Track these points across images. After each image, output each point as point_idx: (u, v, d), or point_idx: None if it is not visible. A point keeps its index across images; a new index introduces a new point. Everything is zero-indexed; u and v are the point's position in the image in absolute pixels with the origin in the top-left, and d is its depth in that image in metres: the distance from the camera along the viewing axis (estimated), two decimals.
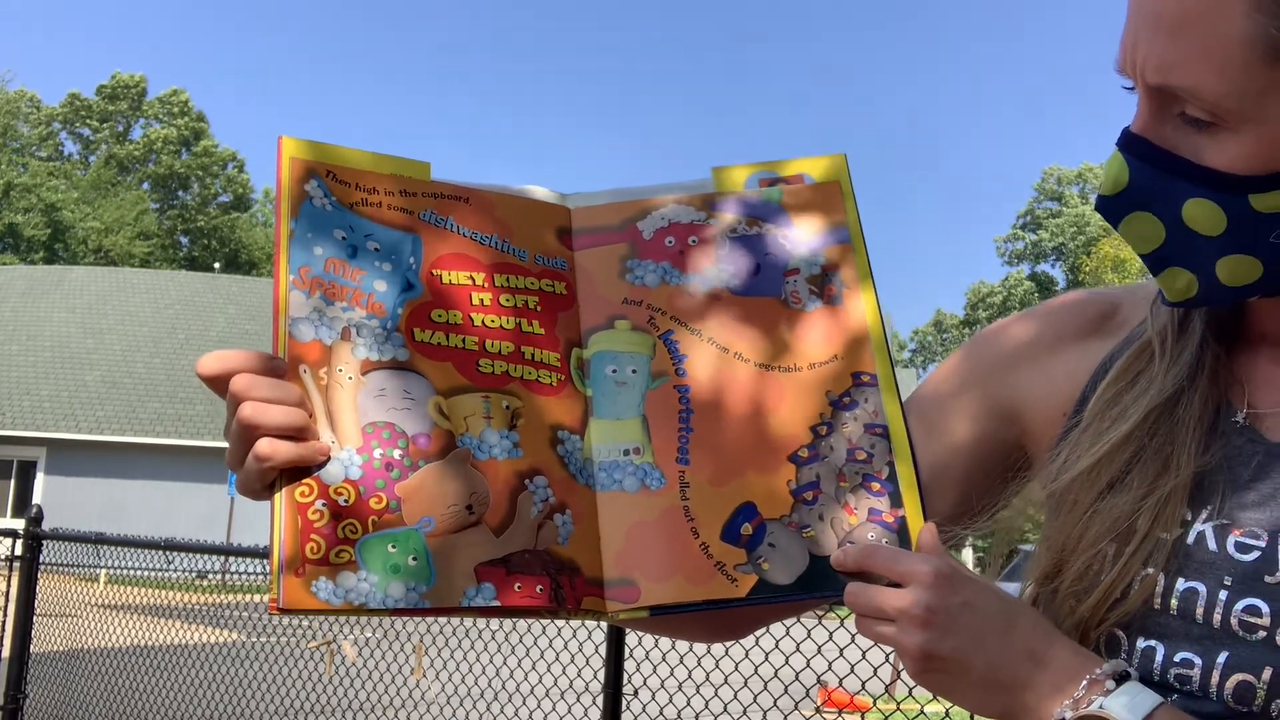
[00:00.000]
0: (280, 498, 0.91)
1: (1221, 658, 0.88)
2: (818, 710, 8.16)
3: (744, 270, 1.07)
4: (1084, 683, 0.86)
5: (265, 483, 0.91)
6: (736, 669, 4.08)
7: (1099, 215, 0.97)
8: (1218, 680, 0.88)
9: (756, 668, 4.04)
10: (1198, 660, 0.89)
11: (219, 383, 0.93)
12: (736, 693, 4.38)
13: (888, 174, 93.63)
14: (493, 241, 1.05)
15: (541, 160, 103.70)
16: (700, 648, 4.39)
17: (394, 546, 0.91)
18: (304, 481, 0.91)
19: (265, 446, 0.89)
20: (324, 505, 0.91)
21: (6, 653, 6.28)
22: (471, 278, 1.03)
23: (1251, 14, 0.84)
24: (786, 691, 4.64)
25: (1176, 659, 0.90)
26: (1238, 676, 0.87)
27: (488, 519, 0.94)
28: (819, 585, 0.97)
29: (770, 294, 1.06)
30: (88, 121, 56.65)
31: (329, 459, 0.92)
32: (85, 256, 50.61)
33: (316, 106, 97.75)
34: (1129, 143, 0.92)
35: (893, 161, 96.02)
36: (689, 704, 4.35)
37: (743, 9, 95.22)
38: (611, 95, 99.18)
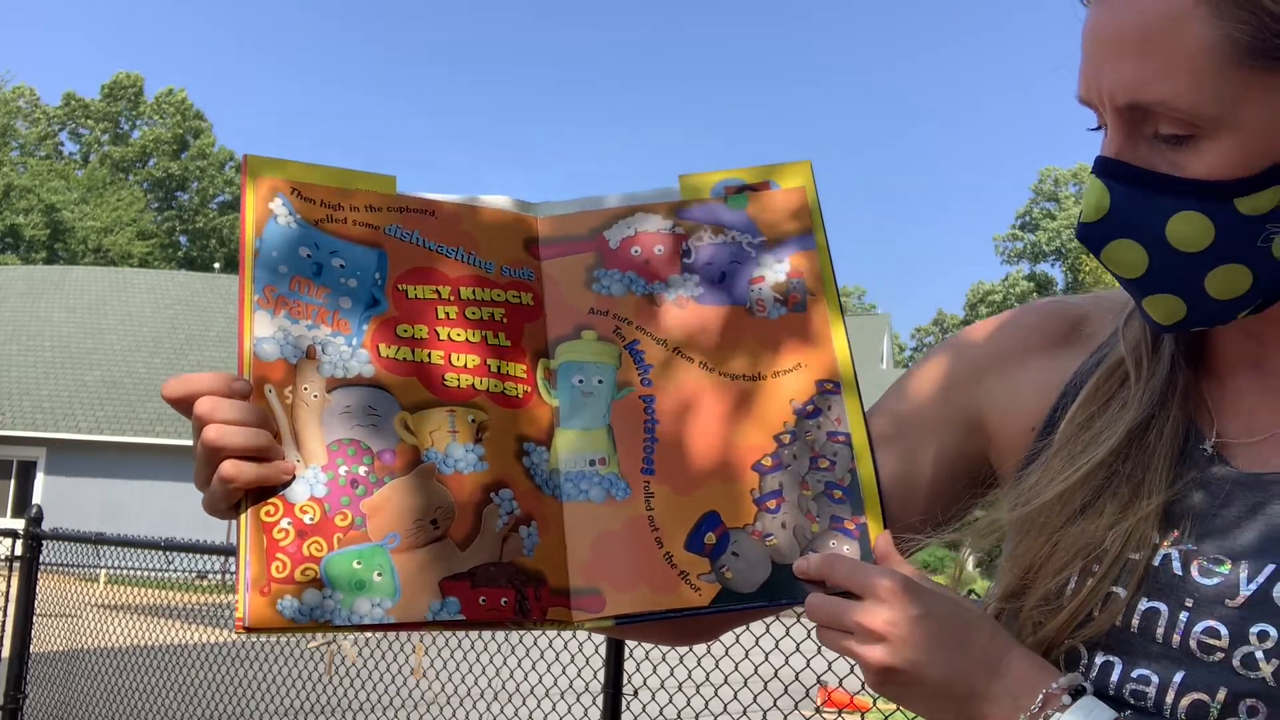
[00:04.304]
0: (246, 517, 0.92)
1: (1178, 677, 0.88)
2: (818, 710, 8.15)
3: (709, 279, 1.07)
4: (1040, 696, 0.87)
5: (231, 503, 0.92)
6: (736, 669, 4.08)
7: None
8: (1173, 698, 0.88)
9: (756, 668, 4.03)
10: (1155, 678, 0.89)
11: (183, 405, 0.93)
12: (736, 693, 4.37)
13: (887, 173, 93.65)
14: (459, 254, 1.05)
15: (532, 161, 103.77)
16: (700, 648, 4.38)
17: (359, 563, 0.92)
18: (269, 501, 0.92)
19: (229, 468, 0.91)
20: (289, 524, 0.92)
21: (6, 653, 6.27)
22: (437, 291, 1.03)
23: (1212, 20, 0.84)
24: (786, 691, 4.63)
25: (1134, 675, 0.90)
26: (1193, 695, 0.88)
27: (452, 533, 0.95)
28: (781, 593, 0.98)
29: (735, 302, 1.07)
30: (86, 121, 56.62)
31: (294, 478, 0.93)
32: (85, 256, 50.60)
33: (315, 106, 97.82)
34: (1105, 167, 0.91)
35: (893, 161, 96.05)
36: (689, 704, 4.34)
37: (735, 8, 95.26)
38: (605, 95, 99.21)
